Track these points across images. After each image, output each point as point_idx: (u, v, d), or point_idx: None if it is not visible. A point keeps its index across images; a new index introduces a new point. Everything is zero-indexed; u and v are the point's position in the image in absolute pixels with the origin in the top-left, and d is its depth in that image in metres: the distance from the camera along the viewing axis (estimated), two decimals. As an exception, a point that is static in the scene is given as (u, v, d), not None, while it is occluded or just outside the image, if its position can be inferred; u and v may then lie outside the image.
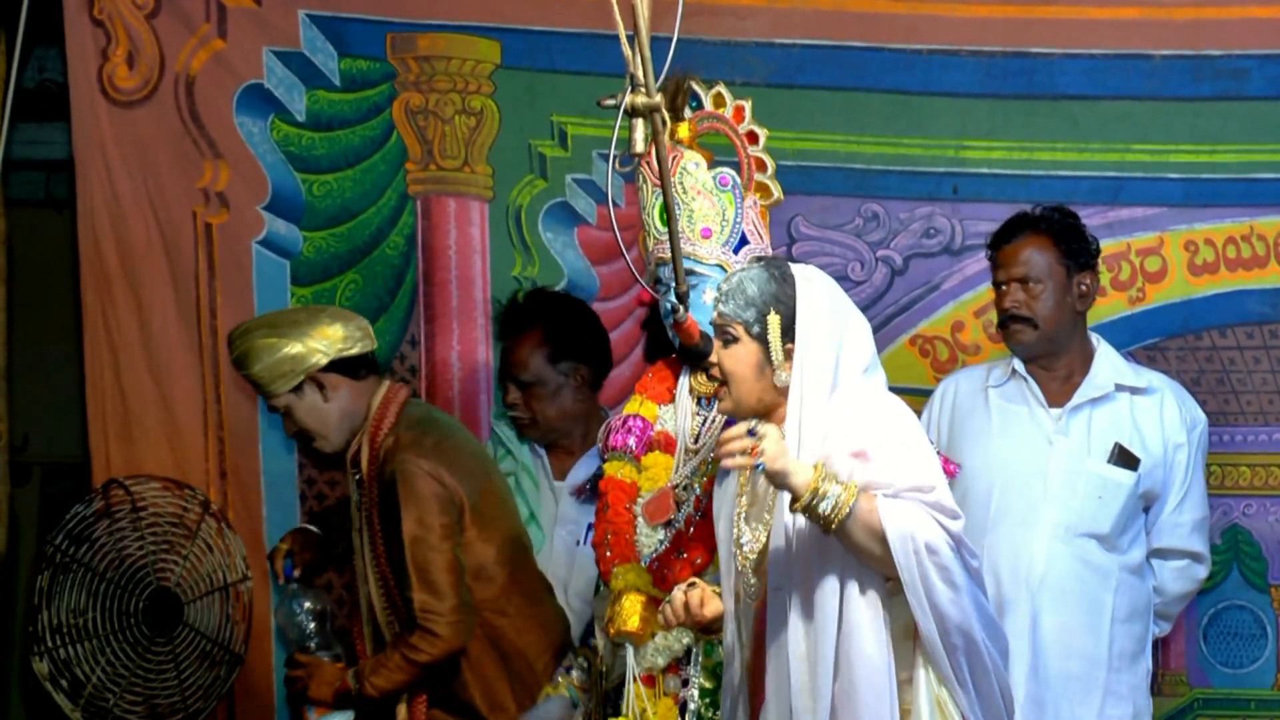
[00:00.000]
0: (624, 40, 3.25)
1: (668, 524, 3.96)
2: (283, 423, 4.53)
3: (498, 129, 5.42)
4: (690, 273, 3.90)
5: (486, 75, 5.41)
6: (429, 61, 5.42)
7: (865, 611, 3.39)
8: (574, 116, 5.36)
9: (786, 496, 3.39)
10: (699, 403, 4.02)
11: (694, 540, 3.89)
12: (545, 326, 4.96)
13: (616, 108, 3.29)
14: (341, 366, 4.43)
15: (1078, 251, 4.59)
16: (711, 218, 3.94)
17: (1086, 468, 4.57)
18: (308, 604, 4.60)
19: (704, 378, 3.96)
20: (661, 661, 3.93)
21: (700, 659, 3.90)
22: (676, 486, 3.98)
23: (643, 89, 3.26)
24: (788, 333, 3.49)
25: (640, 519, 4.00)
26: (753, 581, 3.55)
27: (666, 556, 3.93)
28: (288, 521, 5.29)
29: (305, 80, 5.42)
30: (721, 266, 3.92)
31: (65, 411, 5.61)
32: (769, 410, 3.53)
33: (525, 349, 4.96)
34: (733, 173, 3.97)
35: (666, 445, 4.04)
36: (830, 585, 3.40)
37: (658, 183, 3.81)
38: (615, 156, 3.42)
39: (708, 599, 3.63)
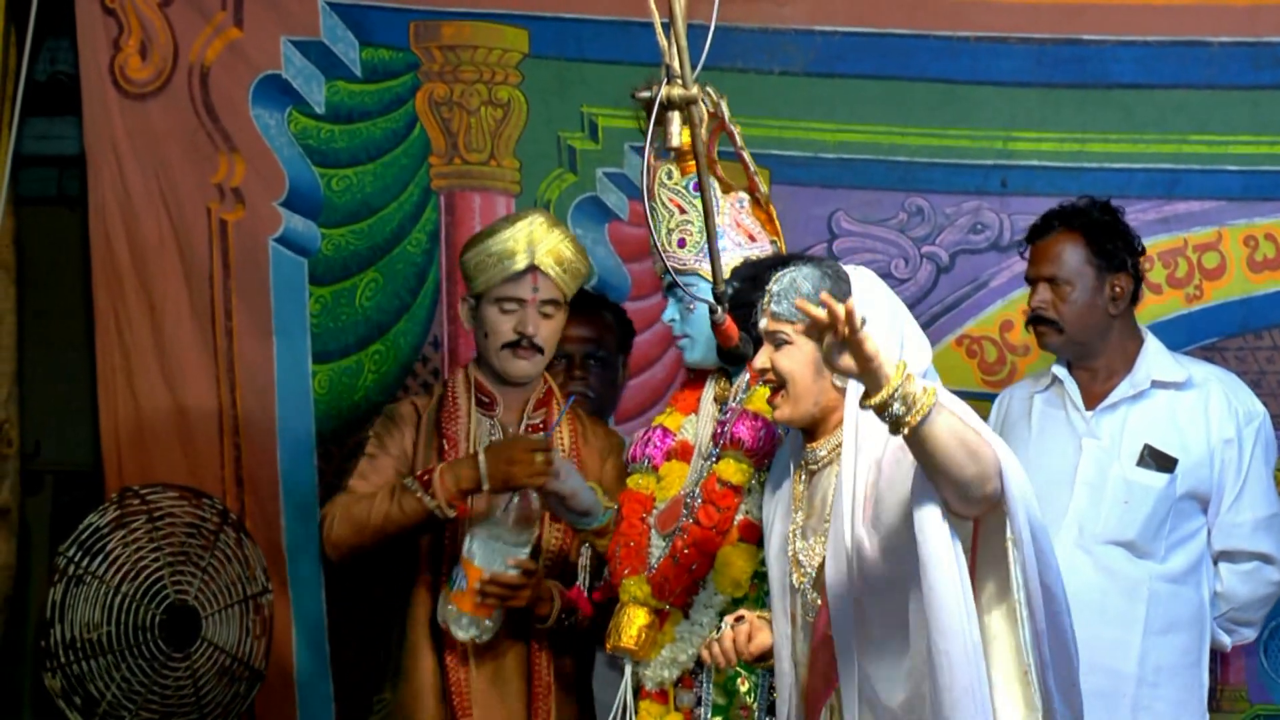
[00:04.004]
0: (658, 28, 3.19)
1: (673, 532, 3.94)
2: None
3: (525, 121, 5.37)
4: (675, 283, 3.91)
5: (514, 65, 5.36)
6: (454, 51, 5.37)
7: (955, 601, 3.12)
8: (605, 108, 5.31)
9: (848, 503, 3.23)
10: (721, 409, 3.97)
11: (690, 546, 3.82)
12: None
13: (651, 100, 3.19)
14: None
15: (1111, 252, 4.45)
16: (685, 226, 3.94)
17: (1113, 472, 4.44)
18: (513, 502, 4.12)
19: (726, 383, 3.94)
20: (669, 675, 3.88)
21: (713, 674, 3.84)
22: (687, 494, 3.93)
23: (679, 80, 3.17)
24: None
25: (654, 530, 3.98)
26: (811, 597, 3.41)
27: (665, 565, 3.89)
28: (307, 530, 5.24)
29: (325, 70, 5.37)
30: (698, 274, 3.91)
31: (79, 417, 5.56)
32: (825, 414, 3.40)
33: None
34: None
35: (684, 454, 4.01)
36: (907, 585, 3.18)
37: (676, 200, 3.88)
38: (650, 150, 3.34)
39: (754, 632, 3.52)
